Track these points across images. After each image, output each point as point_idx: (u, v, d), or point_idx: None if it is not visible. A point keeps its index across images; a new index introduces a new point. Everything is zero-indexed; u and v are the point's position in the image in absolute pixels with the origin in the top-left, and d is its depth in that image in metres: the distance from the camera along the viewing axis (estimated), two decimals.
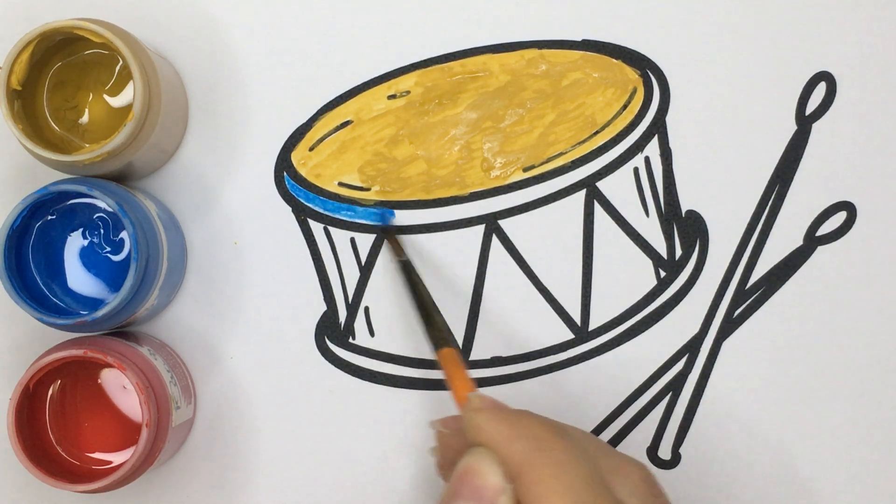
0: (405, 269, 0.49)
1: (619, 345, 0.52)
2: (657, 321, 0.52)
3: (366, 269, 0.52)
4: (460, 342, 0.52)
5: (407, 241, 0.51)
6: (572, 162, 0.51)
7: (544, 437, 0.37)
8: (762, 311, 0.52)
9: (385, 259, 0.52)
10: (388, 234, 0.51)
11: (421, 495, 0.51)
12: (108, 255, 0.48)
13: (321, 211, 0.52)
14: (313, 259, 0.52)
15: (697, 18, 0.52)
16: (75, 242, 0.48)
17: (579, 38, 0.52)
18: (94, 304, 0.47)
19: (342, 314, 0.52)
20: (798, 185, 0.52)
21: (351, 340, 0.52)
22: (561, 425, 0.40)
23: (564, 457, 0.36)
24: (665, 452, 0.52)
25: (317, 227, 0.52)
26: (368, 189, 0.52)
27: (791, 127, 0.52)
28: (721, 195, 0.52)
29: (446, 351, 0.44)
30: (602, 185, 0.51)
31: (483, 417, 0.38)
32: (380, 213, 0.51)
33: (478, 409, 0.39)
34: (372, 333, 0.52)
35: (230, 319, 0.52)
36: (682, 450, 0.52)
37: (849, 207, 0.52)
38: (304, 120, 0.52)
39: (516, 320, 0.52)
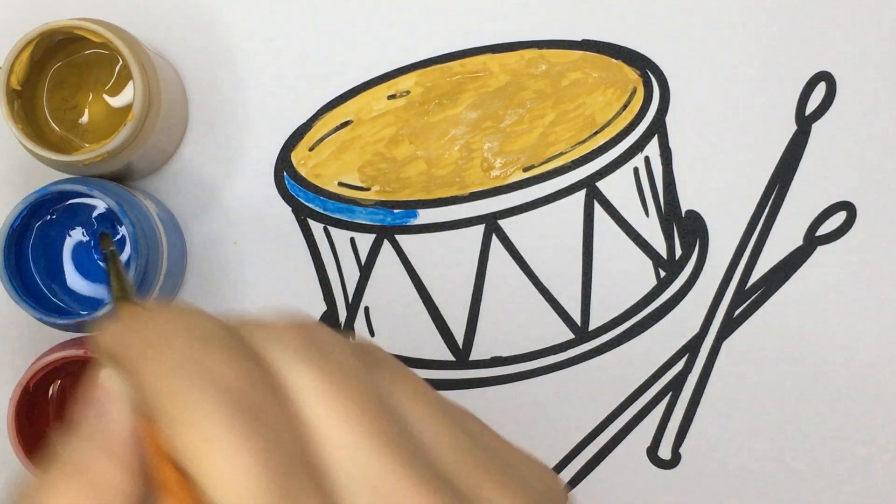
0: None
1: (619, 345, 0.52)
2: (657, 321, 0.52)
3: (366, 269, 0.52)
4: (460, 343, 0.52)
5: (406, 241, 0.51)
6: (572, 162, 0.51)
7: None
8: (762, 311, 0.52)
9: (385, 259, 0.52)
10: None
11: None
12: None
13: (321, 211, 0.52)
14: (313, 259, 0.52)
15: (697, 18, 0.52)
16: (75, 242, 0.48)
17: (579, 38, 0.52)
18: (94, 304, 0.47)
19: (342, 314, 0.52)
20: (798, 185, 0.52)
21: (351, 340, 0.52)
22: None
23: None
24: (665, 452, 0.52)
25: (317, 227, 0.52)
26: (368, 189, 0.52)
27: (791, 127, 0.52)
28: (721, 195, 0.52)
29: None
30: (602, 185, 0.51)
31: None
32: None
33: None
34: (372, 333, 0.52)
35: None
36: (682, 450, 0.52)
37: (849, 207, 0.52)
38: (304, 120, 0.52)
39: (516, 320, 0.52)
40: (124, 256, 0.48)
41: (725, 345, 0.52)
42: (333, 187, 0.52)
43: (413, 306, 0.52)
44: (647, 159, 0.52)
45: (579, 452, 0.52)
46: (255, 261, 0.52)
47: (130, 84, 0.48)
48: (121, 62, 0.49)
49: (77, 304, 0.47)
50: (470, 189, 0.51)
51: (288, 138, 0.52)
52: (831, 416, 0.51)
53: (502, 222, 0.51)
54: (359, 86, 0.52)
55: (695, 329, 0.52)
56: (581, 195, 0.51)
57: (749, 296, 0.52)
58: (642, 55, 0.52)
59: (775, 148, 0.52)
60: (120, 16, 0.51)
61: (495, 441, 0.26)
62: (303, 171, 0.52)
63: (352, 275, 0.52)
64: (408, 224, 0.51)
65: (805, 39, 0.52)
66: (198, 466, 0.22)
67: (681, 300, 0.52)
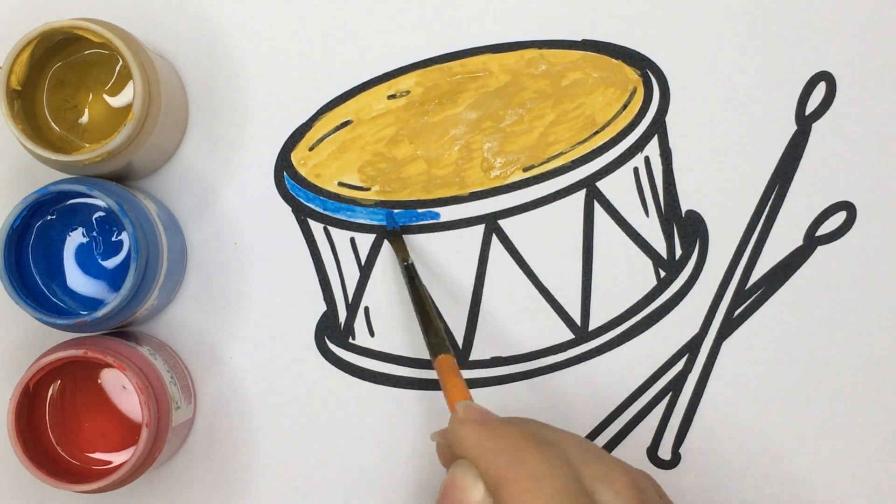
0: (408, 273, 0.49)
1: (619, 345, 0.52)
2: (657, 321, 0.52)
3: (366, 269, 0.52)
4: (460, 342, 0.52)
5: (407, 241, 0.51)
6: (572, 162, 0.51)
7: (522, 449, 0.37)
8: (762, 311, 0.52)
9: (385, 259, 0.52)
10: (393, 236, 0.51)
11: (421, 495, 0.51)
12: (108, 255, 0.48)
13: (321, 211, 0.52)
14: (313, 259, 0.52)
15: (697, 18, 0.52)
16: (75, 242, 0.48)
17: (579, 38, 0.52)
18: (94, 304, 0.47)
19: (342, 314, 0.52)
20: (798, 185, 0.52)
21: (351, 340, 0.52)
22: (546, 433, 0.39)
23: (541, 469, 0.36)
24: (665, 452, 0.52)
25: (317, 227, 0.52)
26: (368, 189, 0.52)
27: (791, 127, 0.52)
28: (721, 195, 0.52)
29: (442, 358, 0.44)
30: (602, 185, 0.51)
31: (464, 430, 0.38)
32: (384, 214, 0.51)
33: (461, 420, 0.39)
34: (372, 333, 0.52)
35: (230, 319, 0.52)
36: (682, 450, 0.52)
37: (849, 207, 0.52)
38: (304, 120, 0.52)
39: (516, 320, 0.52)
40: (122, 256, 0.48)
41: (725, 345, 0.52)
42: (333, 187, 0.52)
43: (413, 306, 0.52)
44: (647, 159, 0.52)
45: None
46: (255, 261, 0.52)
47: (130, 84, 0.48)
48: (121, 62, 0.49)
49: (77, 304, 0.47)
50: (470, 189, 0.51)
51: (288, 138, 0.52)
52: (831, 416, 0.51)
53: (502, 222, 0.51)
54: (359, 86, 0.52)
55: (695, 329, 0.52)
56: (581, 195, 0.51)
57: (749, 296, 0.52)
58: (642, 55, 0.52)
59: (775, 148, 0.52)
60: (120, 16, 0.51)
61: None
62: (303, 171, 0.52)
63: (352, 275, 0.52)
64: (408, 224, 0.51)
65: (805, 39, 0.52)
66: None
67: (681, 300, 0.52)
